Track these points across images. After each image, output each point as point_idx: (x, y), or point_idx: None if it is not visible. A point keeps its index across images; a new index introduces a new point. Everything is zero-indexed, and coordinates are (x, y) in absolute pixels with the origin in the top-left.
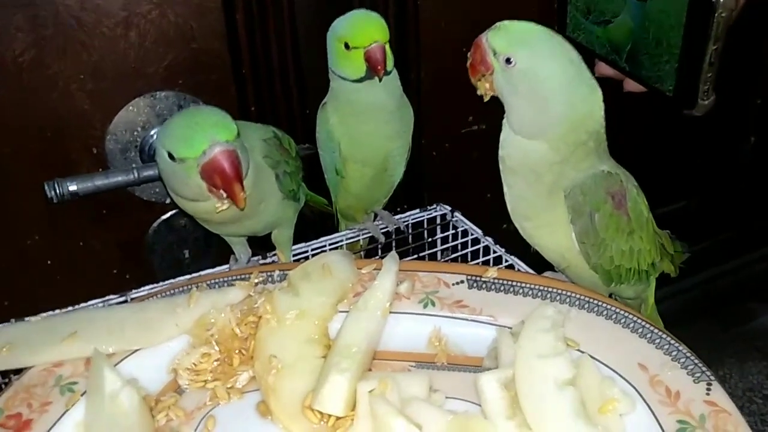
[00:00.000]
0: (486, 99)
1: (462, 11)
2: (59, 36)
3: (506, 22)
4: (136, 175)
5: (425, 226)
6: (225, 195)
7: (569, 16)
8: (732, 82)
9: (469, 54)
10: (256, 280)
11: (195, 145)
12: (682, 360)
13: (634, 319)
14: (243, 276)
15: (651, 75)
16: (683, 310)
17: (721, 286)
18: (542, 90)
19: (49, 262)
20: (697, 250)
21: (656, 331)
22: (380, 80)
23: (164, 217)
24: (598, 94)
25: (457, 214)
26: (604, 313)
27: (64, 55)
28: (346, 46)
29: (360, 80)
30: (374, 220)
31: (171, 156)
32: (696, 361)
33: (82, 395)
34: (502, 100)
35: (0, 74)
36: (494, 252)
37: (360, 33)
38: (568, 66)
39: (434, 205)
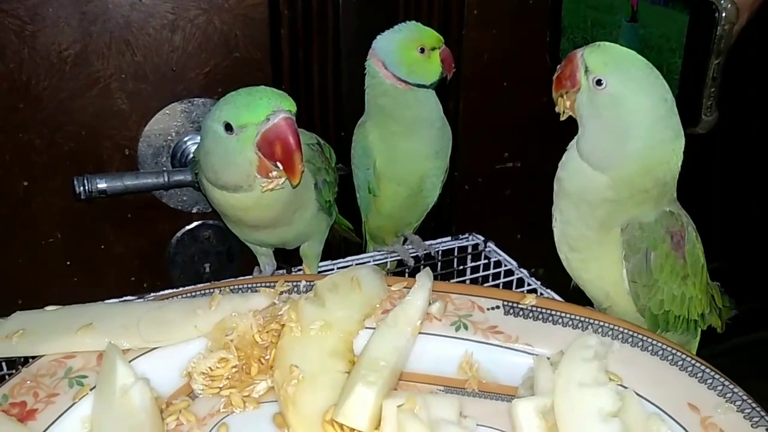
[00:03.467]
0: (562, 117)
1: (506, 47)
2: (106, 33)
3: (606, 43)
4: (166, 178)
5: (456, 254)
6: (281, 167)
7: (562, 49)
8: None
9: (558, 66)
10: (282, 289)
11: (259, 111)
12: (738, 403)
13: (683, 356)
14: (268, 283)
15: None
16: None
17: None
18: (626, 121)
19: (68, 263)
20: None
21: (708, 370)
22: (448, 82)
23: (189, 227)
24: (681, 142)
25: (490, 244)
26: (650, 348)
27: (109, 53)
28: (422, 50)
29: (432, 85)
30: (404, 244)
31: (227, 128)
32: (753, 404)
33: (91, 390)
34: (579, 122)
35: (43, 66)
36: (528, 285)
37: (433, 35)
38: (659, 104)
39: (466, 234)
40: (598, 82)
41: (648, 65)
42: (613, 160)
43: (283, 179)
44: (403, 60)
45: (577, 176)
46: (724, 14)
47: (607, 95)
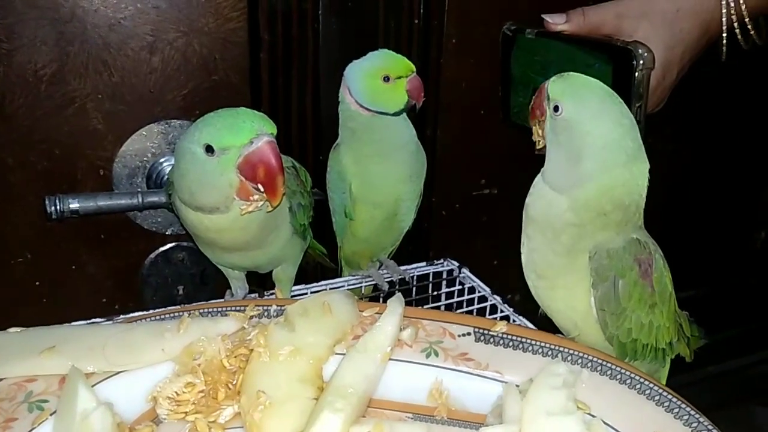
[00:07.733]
0: (538, 146)
1: (483, 75)
2: (83, 53)
3: (571, 73)
4: (140, 199)
5: (431, 279)
6: (261, 190)
7: (512, 102)
8: (743, 178)
9: (533, 97)
10: (252, 313)
11: (242, 134)
12: None
13: (651, 385)
14: (238, 307)
15: None
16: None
17: (724, 384)
18: (579, 144)
19: (37, 283)
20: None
21: (675, 399)
22: (417, 110)
23: (163, 248)
24: (642, 166)
25: (465, 270)
26: (618, 377)
27: (86, 73)
28: (386, 79)
29: (397, 114)
30: (379, 269)
31: (209, 149)
32: None
33: (51, 414)
34: (547, 148)
35: (18, 85)
36: (501, 311)
37: (400, 64)
38: (613, 128)
39: (441, 260)
40: (555, 108)
41: (607, 92)
42: (569, 181)
43: (262, 202)
44: (367, 88)
45: (540, 200)
46: (641, 61)
47: (563, 120)
